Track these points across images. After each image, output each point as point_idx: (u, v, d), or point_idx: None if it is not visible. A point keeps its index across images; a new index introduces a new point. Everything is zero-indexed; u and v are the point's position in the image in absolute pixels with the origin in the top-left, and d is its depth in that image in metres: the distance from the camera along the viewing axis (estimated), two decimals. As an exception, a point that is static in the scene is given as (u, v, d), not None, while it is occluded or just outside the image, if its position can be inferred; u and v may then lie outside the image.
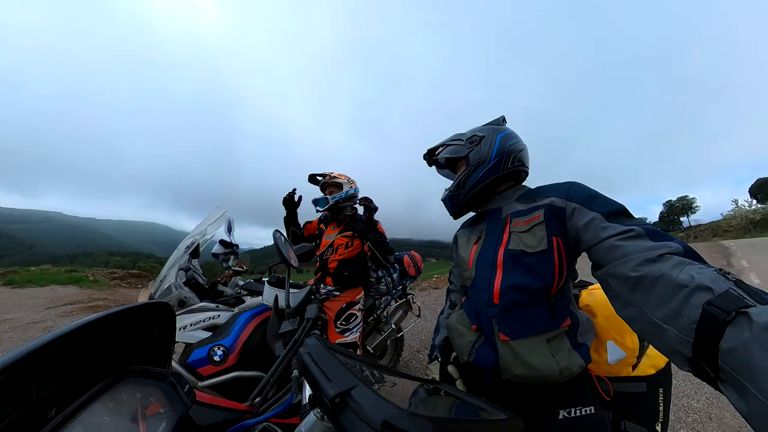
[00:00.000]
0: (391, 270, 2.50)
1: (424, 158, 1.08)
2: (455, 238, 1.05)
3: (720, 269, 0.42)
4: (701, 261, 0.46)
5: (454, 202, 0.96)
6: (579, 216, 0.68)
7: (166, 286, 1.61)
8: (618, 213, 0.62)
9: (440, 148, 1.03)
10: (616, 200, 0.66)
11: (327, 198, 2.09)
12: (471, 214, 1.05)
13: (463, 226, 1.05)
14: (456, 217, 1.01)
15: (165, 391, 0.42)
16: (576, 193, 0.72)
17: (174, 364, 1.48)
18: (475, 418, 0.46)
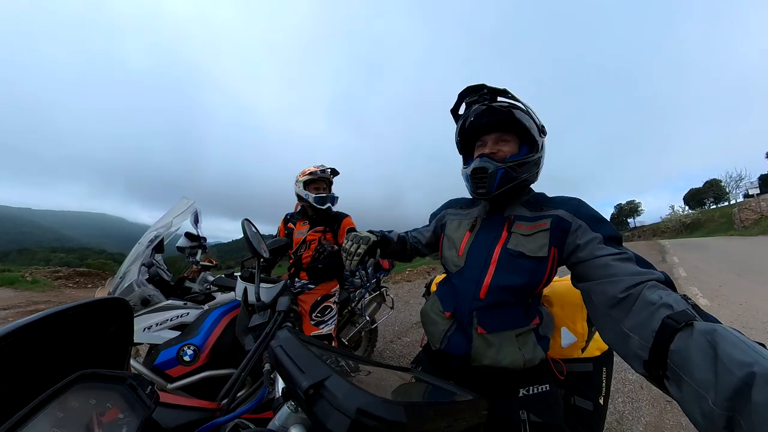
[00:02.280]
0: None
1: (468, 93, 0.81)
2: (443, 215, 1.00)
3: (684, 295, 0.51)
4: (673, 288, 0.55)
5: (502, 181, 0.78)
6: (582, 234, 0.71)
7: (127, 284, 1.48)
8: (614, 239, 0.68)
9: (517, 103, 0.80)
10: (614, 227, 0.72)
11: (336, 197, 2.06)
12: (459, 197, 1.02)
13: (454, 205, 1.01)
14: (484, 197, 0.83)
15: (123, 394, 0.39)
16: (584, 212, 0.75)
17: (139, 366, 1.38)
18: (444, 400, 0.48)
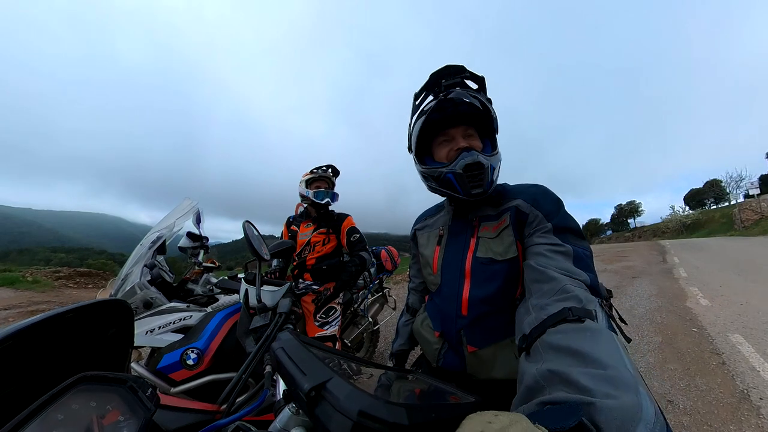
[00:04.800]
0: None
1: (447, 75, 0.70)
2: (414, 234, 0.97)
3: (605, 300, 0.51)
4: (597, 294, 0.53)
5: (494, 177, 0.73)
6: (537, 224, 0.69)
7: (129, 286, 1.47)
8: (567, 230, 0.66)
9: (471, 93, 0.70)
10: (572, 217, 0.69)
11: (336, 193, 2.12)
12: (427, 207, 0.99)
13: (421, 219, 0.98)
14: (480, 196, 0.73)
15: (124, 397, 0.39)
16: (542, 202, 0.71)
17: (142, 370, 1.38)
18: (446, 402, 0.48)
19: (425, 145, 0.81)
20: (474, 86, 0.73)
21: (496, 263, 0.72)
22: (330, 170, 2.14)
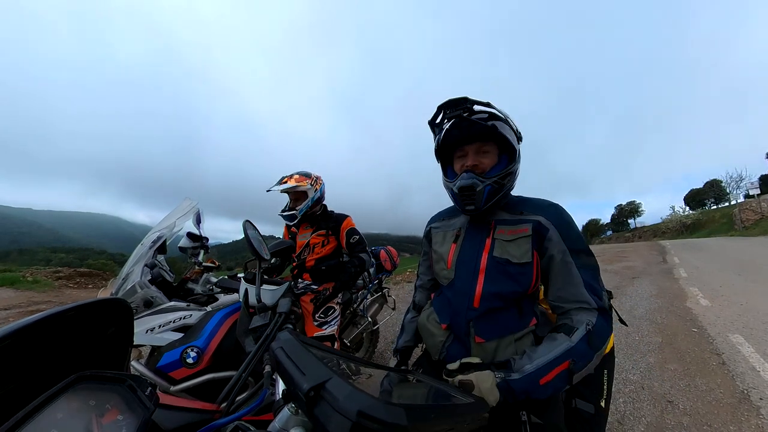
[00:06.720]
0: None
1: (449, 107, 0.79)
2: (428, 231, 1.03)
3: (589, 321, 0.73)
4: (608, 315, 0.76)
5: (490, 196, 0.81)
6: (556, 241, 0.79)
7: (130, 286, 1.48)
8: (582, 251, 0.79)
9: (497, 113, 0.81)
10: (581, 235, 0.83)
11: (295, 213, 1.95)
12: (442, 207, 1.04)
13: (437, 219, 1.03)
14: (473, 213, 0.84)
15: (123, 395, 0.39)
16: (559, 221, 0.81)
17: (142, 368, 1.38)
18: (445, 402, 0.48)
19: (449, 157, 0.90)
20: (486, 110, 0.81)
21: (511, 265, 0.80)
22: (294, 179, 1.93)
